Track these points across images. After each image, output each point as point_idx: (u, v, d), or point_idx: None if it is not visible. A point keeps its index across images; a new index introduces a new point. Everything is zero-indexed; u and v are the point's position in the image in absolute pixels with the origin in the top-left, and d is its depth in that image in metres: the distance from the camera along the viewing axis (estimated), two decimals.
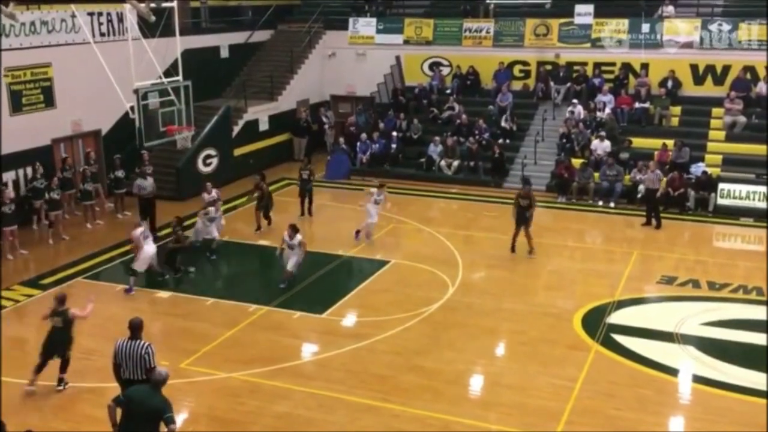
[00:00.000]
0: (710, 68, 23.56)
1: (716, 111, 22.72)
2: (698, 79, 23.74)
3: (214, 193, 17.45)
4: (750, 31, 22.93)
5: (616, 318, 13.54)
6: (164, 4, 15.85)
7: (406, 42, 27.02)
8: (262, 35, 28.10)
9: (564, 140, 22.69)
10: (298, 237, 14.74)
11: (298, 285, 14.99)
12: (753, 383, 11.20)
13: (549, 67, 25.22)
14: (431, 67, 26.82)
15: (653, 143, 21.98)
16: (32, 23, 18.63)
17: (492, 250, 17.16)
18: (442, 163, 23.39)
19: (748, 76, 22.91)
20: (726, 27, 23.24)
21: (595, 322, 13.34)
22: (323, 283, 15.45)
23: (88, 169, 19.27)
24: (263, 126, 25.11)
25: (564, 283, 15.43)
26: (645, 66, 24.01)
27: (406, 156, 24.22)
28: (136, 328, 9.15)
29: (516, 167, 22.81)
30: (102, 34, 20.40)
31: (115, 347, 9.18)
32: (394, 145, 24.20)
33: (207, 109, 22.70)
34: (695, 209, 19.91)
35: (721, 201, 19.95)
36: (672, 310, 13.92)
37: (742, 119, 22.17)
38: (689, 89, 23.78)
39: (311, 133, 26.52)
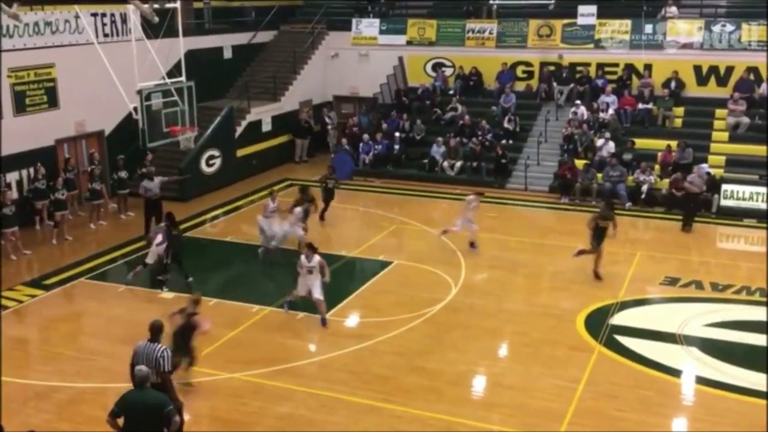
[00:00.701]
0: (713, 69, 23.51)
1: (719, 112, 22.69)
2: (701, 80, 23.70)
3: (274, 204, 16.98)
4: (753, 32, 22.89)
5: (619, 319, 13.52)
6: (167, 5, 15.90)
7: (409, 43, 27.01)
8: (265, 36, 28.11)
9: (567, 141, 22.69)
10: (316, 258, 13.14)
11: None
12: (756, 385, 11.18)
13: (552, 68, 25.20)
14: (434, 67, 26.81)
15: (656, 144, 21.96)
16: (36, 24, 18.66)
17: (494, 251, 17.15)
18: (445, 164, 23.38)
19: (752, 77, 22.86)
20: (729, 28, 23.21)
21: (597, 323, 13.34)
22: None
23: (96, 168, 19.36)
24: (266, 127, 25.12)
25: (567, 284, 15.40)
26: (648, 67, 23.96)
27: (409, 157, 24.21)
28: (156, 331, 9.01)
29: (519, 168, 22.81)
30: (105, 35, 20.41)
31: (134, 348, 9.04)
32: (396, 146, 24.19)
33: (210, 109, 22.72)
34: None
35: (724, 202, 19.92)
36: (675, 311, 13.92)
37: (746, 120, 22.13)
38: (692, 90, 23.73)
39: (312, 134, 26.53)
